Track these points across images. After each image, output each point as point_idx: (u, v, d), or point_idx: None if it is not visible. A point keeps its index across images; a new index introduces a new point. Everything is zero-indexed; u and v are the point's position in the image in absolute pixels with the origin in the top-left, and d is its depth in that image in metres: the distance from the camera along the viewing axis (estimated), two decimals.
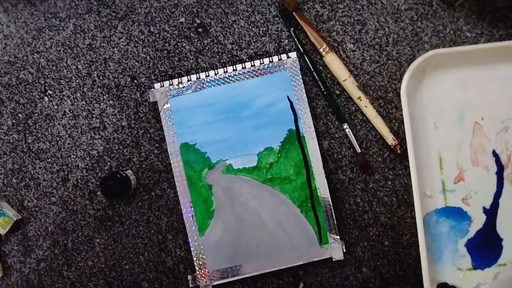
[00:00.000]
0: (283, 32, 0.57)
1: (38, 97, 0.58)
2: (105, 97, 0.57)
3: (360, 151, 0.55)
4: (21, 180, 0.57)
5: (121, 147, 0.57)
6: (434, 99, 0.55)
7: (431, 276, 0.51)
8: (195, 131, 0.55)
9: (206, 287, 0.54)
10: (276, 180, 0.54)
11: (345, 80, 0.55)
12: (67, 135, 0.57)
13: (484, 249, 0.54)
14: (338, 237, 0.53)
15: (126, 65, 0.57)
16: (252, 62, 0.55)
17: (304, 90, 0.55)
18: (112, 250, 0.57)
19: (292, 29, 0.56)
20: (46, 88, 0.58)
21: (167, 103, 0.55)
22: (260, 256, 0.54)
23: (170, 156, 0.55)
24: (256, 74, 0.55)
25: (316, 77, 0.55)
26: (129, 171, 0.56)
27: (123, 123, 0.57)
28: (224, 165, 0.55)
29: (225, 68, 0.55)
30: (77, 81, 0.58)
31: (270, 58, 0.55)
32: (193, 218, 0.54)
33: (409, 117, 0.52)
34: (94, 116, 0.57)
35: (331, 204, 0.54)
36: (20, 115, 0.58)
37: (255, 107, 0.55)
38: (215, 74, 0.55)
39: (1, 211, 0.55)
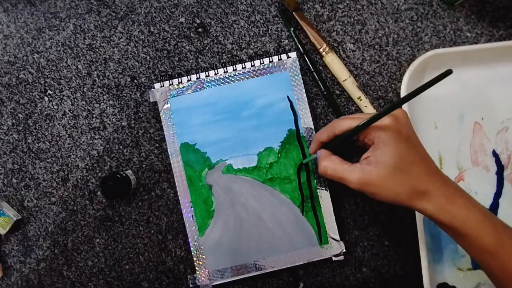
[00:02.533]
0: (283, 32, 0.57)
1: (38, 97, 0.58)
2: (105, 97, 0.57)
3: None
4: (21, 180, 0.57)
5: (121, 147, 0.57)
6: (434, 99, 0.55)
7: (431, 276, 0.51)
8: (195, 131, 0.55)
9: (206, 287, 0.54)
10: (276, 180, 0.54)
11: (345, 80, 0.55)
12: (67, 135, 0.57)
13: None
14: (338, 237, 0.53)
15: (126, 65, 0.57)
16: (252, 62, 0.55)
17: (304, 90, 0.54)
18: (112, 250, 0.57)
19: (292, 29, 0.56)
20: (46, 88, 0.58)
21: (167, 103, 0.55)
22: (260, 256, 0.54)
23: (170, 156, 0.55)
24: (256, 74, 0.55)
25: (316, 77, 0.55)
26: (129, 171, 0.56)
27: (123, 123, 0.57)
28: (224, 165, 0.55)
29: (225, 68, 0.55)
30: (77, 81, 0.58)
31: (270, 58, 0.55)
32: (193, 218, 0.54)
33: (409, 117, 0.52)
34: (94, 116, 0.57)
35: (331, 204, 0.54)
36: (20, 115, 0.58)
37: (255, 107, 0.55)
38: (215, 74, 0.55)
39: (1, 211, 0.55)
